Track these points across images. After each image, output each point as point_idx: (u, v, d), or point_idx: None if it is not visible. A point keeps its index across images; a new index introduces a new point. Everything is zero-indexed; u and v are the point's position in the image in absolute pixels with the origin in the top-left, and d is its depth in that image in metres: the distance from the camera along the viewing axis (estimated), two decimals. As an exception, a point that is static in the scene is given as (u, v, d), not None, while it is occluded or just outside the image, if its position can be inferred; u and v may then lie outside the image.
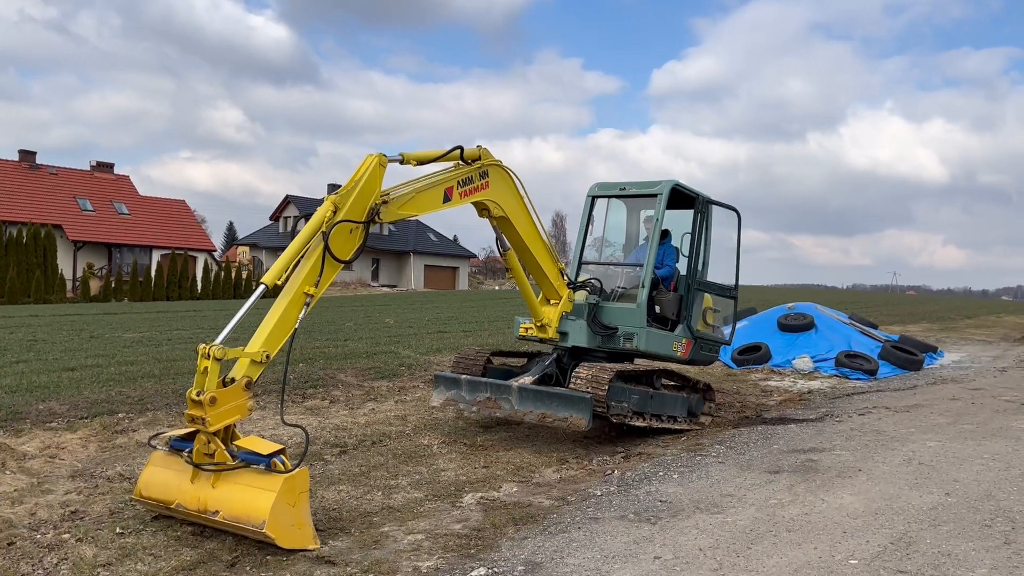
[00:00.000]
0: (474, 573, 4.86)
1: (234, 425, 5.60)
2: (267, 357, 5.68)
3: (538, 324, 8.62)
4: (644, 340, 8.59)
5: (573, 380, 8.01)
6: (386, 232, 61.58)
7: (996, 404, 10.54)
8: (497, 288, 60.83)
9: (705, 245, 9.36)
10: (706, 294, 9.38)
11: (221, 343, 5.45)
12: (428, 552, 5.27)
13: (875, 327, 17.19)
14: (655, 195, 8.93)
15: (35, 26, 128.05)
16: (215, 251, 55.60)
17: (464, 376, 8.55)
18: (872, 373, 13.26)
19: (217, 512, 5.31)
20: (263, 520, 5.06)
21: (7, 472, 7.01)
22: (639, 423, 8.35)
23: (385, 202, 6.44)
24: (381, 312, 25.83)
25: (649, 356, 9.05)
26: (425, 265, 61.42)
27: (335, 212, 6.12)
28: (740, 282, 9.93)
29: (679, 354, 9.10)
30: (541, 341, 8.98)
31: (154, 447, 5.88)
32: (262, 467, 5.31)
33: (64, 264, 43.48)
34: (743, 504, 6.09)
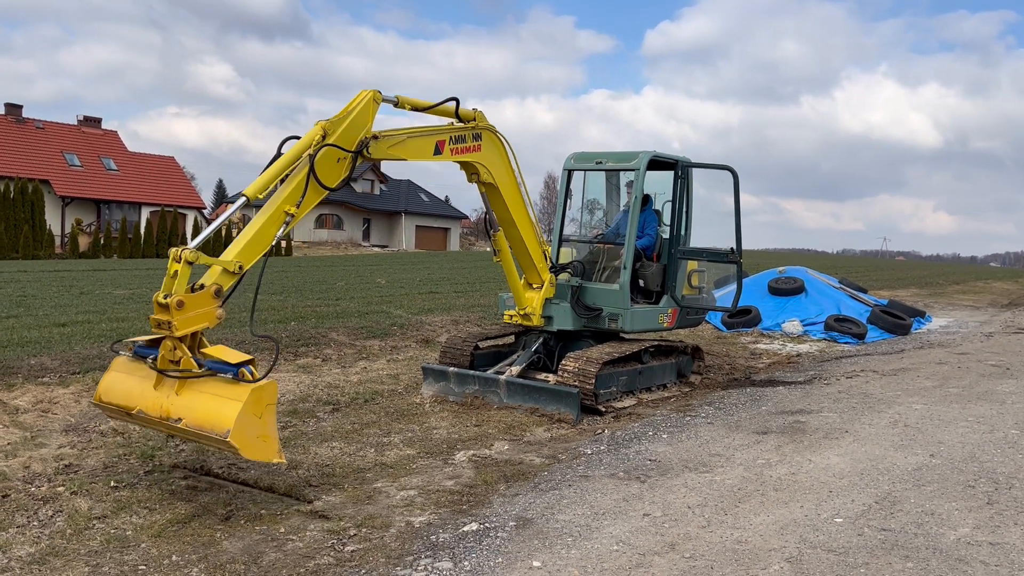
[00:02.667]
0: (466, 528, 4.93)
1: (201, 334, 5.41)
2: (240, 268, 5.50)
3: (521, 312, 8.59)
4: (629, 320, 8.59)
5: (560, 372, 8.04)
6: (377, 192, 61.28)
7: (982, 368, 10.66)
8: (488, 249, 60.76)
9: (687, 211, 9.34)
10: (696, 261, 9.36)
11: (195, 248, 5.34)
12: (421, 507, 5.34)
13: (864, 292, 17.30)
14: (634, 169, 8.86)
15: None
16: (205, 208, 55.24)
17: (452, 369, 8.53)
18: (861, 337, 13.37)
19: (180, 420, 5.11)
20: (227, 429, 4.86)
21: (0, 426, 7.03)
22: (629, 403, 8.40)
23: (376, 138, 6.42)
24: (372, 272, 25.80)
25: (635, 333, 9.09)
26: (416, 226, 61.23)
27: (324, 137, 6.09)
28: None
29: (665, 325, 9.13)
30: (527, 331, 8.98)
31: (116, 352, 5.73)
32: (229, 376, 5.13)
33: (52, 220, 43.13)
34: (731, 464, 6.18)
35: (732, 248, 9.03)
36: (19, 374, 8.61)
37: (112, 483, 5.73)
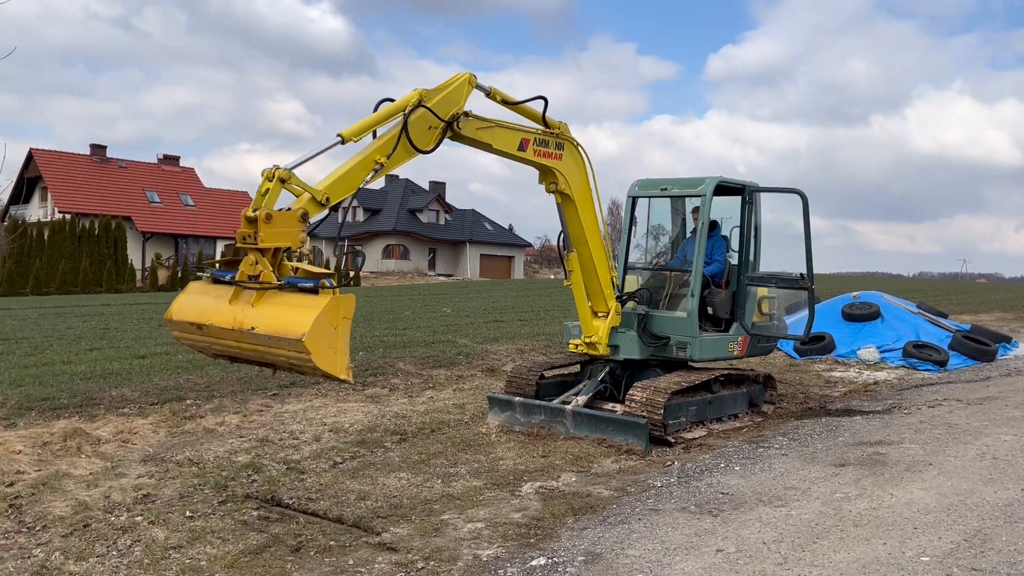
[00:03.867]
0: (534, 562, 4.86)
1: (283, 254, 5.46)
2: (327, 200, 5.67)
3: (587, 340, 8.52)
4: (698, 349, 8.44)
5: (627, 402, 7.93)
6: (442, 222, 61.98)
7: (1075, 397, 10.13)
8: (552, 277, 60.74)
9: (756, 236, 9.17)
10: (766, 287, 9.15)
11: (289, 168, 5.47)
12: (488, 540, 5.29)
13: (944, 316, 16.68)
14: (700, 195, 8.74)
15: (101, 23, 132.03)
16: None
17: (517, 399, 8.49)
18: (942, 364, 12.87)
19: (253, 328, 5.10)
20: (303, 332, 4.83)
21: (83, 456, 7.26)
22: (699, 433, 8.22)
23: (467, 114, 6.69)
24: (438, 301, 26.03)
25: (704, 362, 8.92)
26: (481, 254, 61.65)
27: (420, 101, 6.33)
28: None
29: (735, 353, 8.93)
30: (592, 360, 8.90)
31: (200, 276, 5.82)
32: (310, 285, 5.13)
33: (133, 254, 44.86)
34: (807, 497, 5.97)
35: (802, 273, 8.81)
36: (101, 405, 8.91)
37: (188, 513, 5.84)
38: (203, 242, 50.16)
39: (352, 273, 47.74)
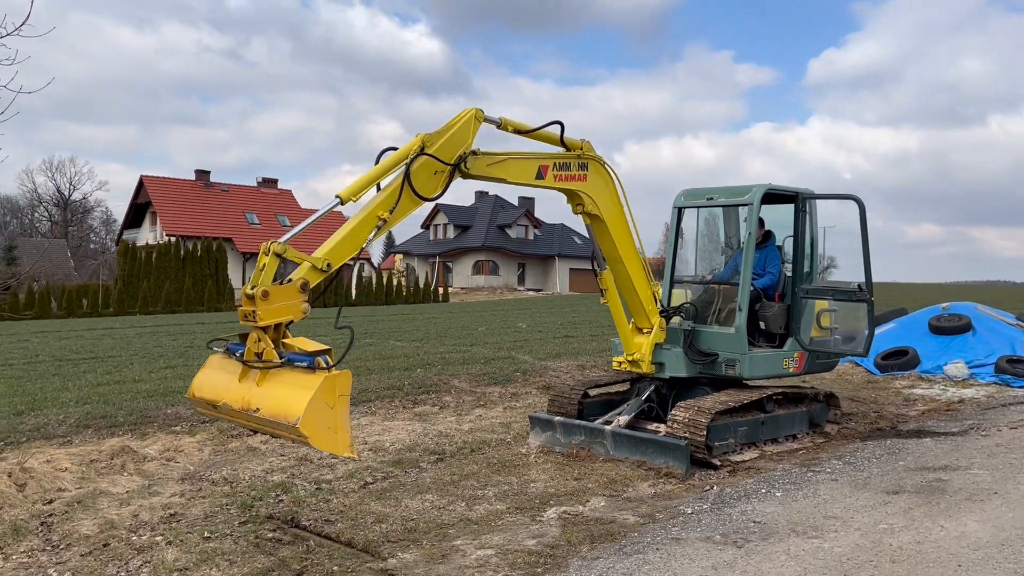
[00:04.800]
0: (531, 594, 4.62)
1: (286, 327, 5.41)
2: (328, 266, 5.54)
3: (630, 358, 8.22)
4: (748, 366, 8.01)
5: (669, 422, 7.59)
6: (531, 237, 62.06)
7: None
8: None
9: (812, 247, 8.67)
10: (823, 300, 8.63)
11: (285, 242, 5.42)
12: (494, 569, 5.08)
13: (1050, 328, 15.43)
14: (747, 204, 8.31)
15: (212, 55, 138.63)
16: (369, 259, 57.93)
17: (558, 418, 8.25)
18: (1039, 380, 11.87)
19: (258, 410, 5.10)
20: (297, 417, 4.80)
21: (124, 474, 7.43)
22: (749, 455, 7.79)
23: (475, 153, 6.41)
24: (519, 316, 25.94)
25: (757, 379, 8.48)
26: (570, 268, 61.38)
27: (423, 148, 6.13)
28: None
29: (791, 370, 8.44)
30: (638, 378, 8.57)
31: (213, 350, 5.81)
32: (305, 365, 5.08)
33: (234, 274, 46.63)
34: (847, 528, 5.52)
35: (860, 284, 8.27)
36: (155, 423, 9.14)
37: (206, 534, 5.86)
38: (299, 261, 51.67)
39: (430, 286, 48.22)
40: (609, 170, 7.55)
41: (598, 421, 8.18)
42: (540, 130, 7.06)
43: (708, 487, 6.82)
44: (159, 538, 5.84)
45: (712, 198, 8.73)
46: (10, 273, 51.01)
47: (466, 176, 6.44)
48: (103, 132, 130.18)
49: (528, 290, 58.20)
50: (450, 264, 61.72)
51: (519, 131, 6.96)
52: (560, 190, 7.37)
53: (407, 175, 5.94)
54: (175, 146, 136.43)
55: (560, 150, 7.28)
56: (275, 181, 57.98)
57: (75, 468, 7.43)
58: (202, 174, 54.96)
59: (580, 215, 7.59)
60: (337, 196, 5.74)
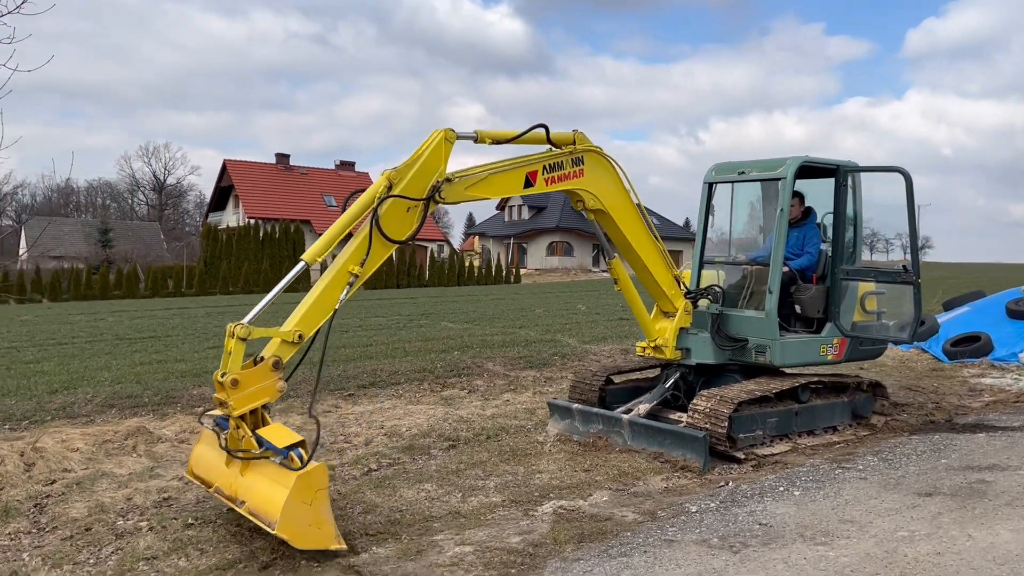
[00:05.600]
0: (492, 599, 4.29)
1: (264, 408, 5.30)
2: (300, 337, 5.36)
3: (652, 344, 7.75)
4: (780, 353, 7.43)
5: (690, 412, 7.10)
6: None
7: None
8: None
9: (856, 224, 7.99)
10: (866, 282, 7.95)
11: (249, 322, 5.24)
12: (466, 569, 4.77)
13: None
14: (779, 178, 7.68)
15: (300, 41, 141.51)
16: (443, 240, 58.22)
17: (576, 406, 7.85)
18: None
19: (244, 503, 5.08)
20: (274, 521, 4.75)
21: (133, 455, 7.41)
22: (780, 448, 7.24)
23: (449, 180, 5.97)
24: (583, 298, 25.50)
25: (792, 367, 7.90)
26: (648, 249, 60.21)
27: (390, 188, 5.76)
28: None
29: (830, 357, 7.81)
30: (666, 364, 8.09)
31: (204, 424, 5.78)
32: (278, 461, 5.01)
33: (311, 256, 47.50)
34: (861, 535, 4.98)
35: (905, 265, 7.58)
36: (178, 403, 9.15)
37: (190, 520, 5.72)
38: (375, 243, 52.30)
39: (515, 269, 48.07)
40: (609, 160, 7.04)
41: (619, 409, 7.76)
42: (523, 136, 6.49)
43: (723, 483, 6.34)
44: (144, 523, 5.74)
45: (744, 172, 8.14)
46: (104, 255, 53.09)
47: (442, 203, 6.00)
48: (198, 119, 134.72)
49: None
50: (525, 245, 61.47)
51: (499, 141, 6.39)
52: (559, 191, 6.94)
53: (375, 221, 5.55)
54: (264, 131, 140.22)
55: (548, 150, 6.74)
56: (352, 164, 58.78)
57: (86, 448, 7.45)
58: (282, 157, 56.12)
59: (583, 211, 7.14)
60: (302, 259, 5.45)
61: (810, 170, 7.85)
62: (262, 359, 5.24)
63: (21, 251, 62.38)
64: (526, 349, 12.35)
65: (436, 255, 50.50)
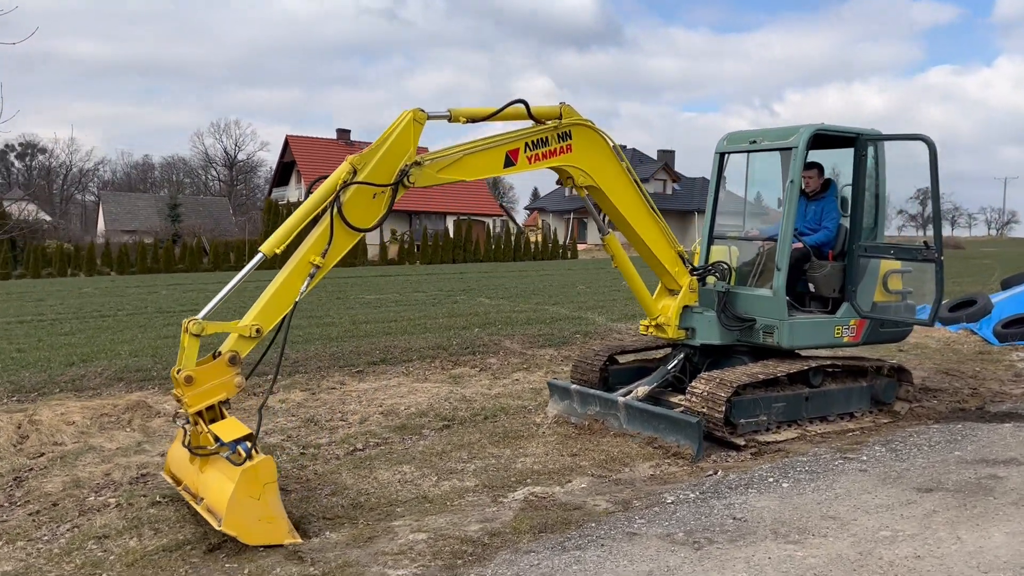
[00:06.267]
0: (422, 593, 4.07)
1: (224, 404, 5.20)
2: (257, 332, 5.24)
3: (655, 321, 7.39)
4: (787, 334, 6.98)
5: (688, 395, 6.73)
6: (669, 191, 60.10)
7: None
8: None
9: (879, 198, 7.44)
10: (883, 259, 7.41)
11: (204, 318, 5.12)
12: (412, 559, 4.56)
13: None
14: (790, 147, 7.17)
15: (370, 16, 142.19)
16: (501, 215, 58.04)
17: (574, 386, 7.55)
18: None
19: (203, 499, 5.02)
20: (220, 519, 4.68)
21: (127, 429, 7.43)
22: (785, 435, 6.82)
23: (418, 163, 5.70)
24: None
25: (803, 349, 7.44)
26: (711, 224, 58.91)
27: (355, 174, 5.53)
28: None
29: (846, 340, 7.31)
30: (672, 345, 7.71)
31: (176, 423, 5.75)
32: (226, 456, 4.89)
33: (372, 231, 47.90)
34: (840, 533, 4.59)
35: (927, 241, 7.03)
36: (186, 378, 9.15)
37: (157, 498, 5.66)
38: (435, 218, 52.44)
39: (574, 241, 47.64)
40: (600, 133, 6.65)
41: (620, 392, 7.43)
42: (500, 112, 6.12)
43: (712, 472, 5.99)
44: (113, 500, 5.71)
45: (756, 141, 7.65)
46: (173, 229, 54.57)
47: (411, 189, 5.72)
48: (269, 95, 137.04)
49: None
50: (585, 220, 60.80)
51: (474, 119, 6.05)
52: (544, 170, 6.60)
53: (339, 210, 5.33)
54: (335, 107, 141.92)
55: (532, 126, 6.35)
56: (414, 139, 58.86)
57: (82, 422, 7.50)
58: (343, 133, 56.59)
59: (574, 189, 6.79)
60: (260, 251, 5.27)
61: (829, 140, 7.34)
62: (219, 354, 5.13)
63: (99, 225, 64.79)
64: (549, 327, 12.06)
65: (493, 230, 50.37)
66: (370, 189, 5.49)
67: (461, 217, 47.12)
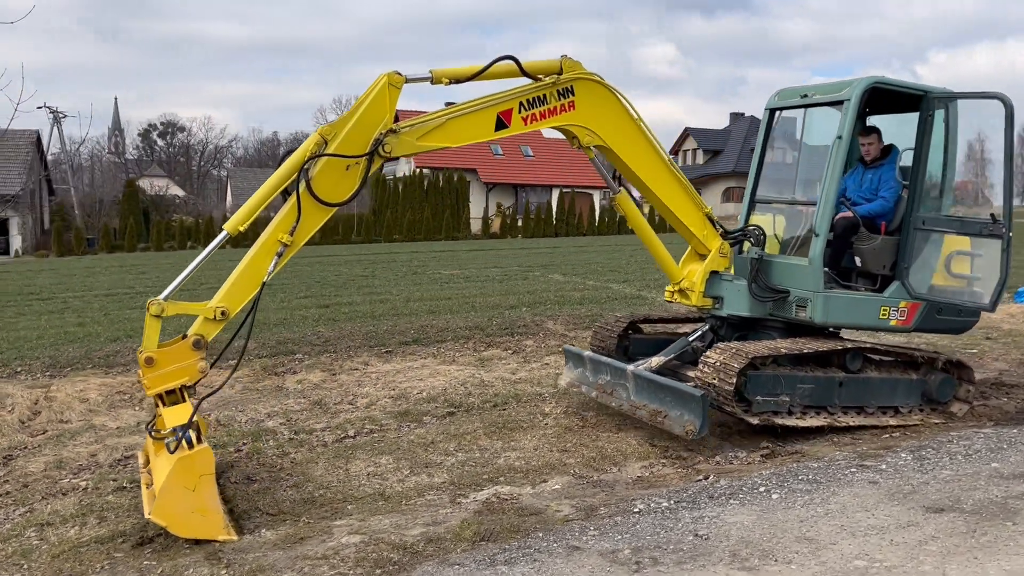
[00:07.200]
0: (312, 608, 3.75)
1: (187, 389, 5.05)
2: (222, 315, 5.05)
3: (678, 287, 6.78)
4: (821, 308, 6.22)
5: (700, 366, 6.11)
6: (790, 160, 57.32)
7: None
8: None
9: (947, 165, 6.51)
10: (948, 234, 6.51)
11: (165, 298, 4.95)
12: (332, 565, 4.24)
13: None
14: (841, 101, 6.34)
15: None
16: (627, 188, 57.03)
17: (587, 354, 7.04)
18: None
19: (151, 486, 4.89)
20: (150, 510, 4.50)
21: (131, 408, 7.47)
22: (810, 421, 6.11)
23: (394, 132, 5.31)
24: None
25: (840, 328, 6.66)
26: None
27: (326, 146, 5.21)
28: None
29: (893, 323, 6.48)
30: (702, 318, 7.09)
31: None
32: (168, 444, 4.70)
33: (477, 204, 48.09)
34: (807, 560, 3.95)
35: (994, 214, 6.10)
36: (214, 354, 9.16)
37: (125, 484, 5.60)
38: (540, 191, 52.06)
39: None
40: (609, 88, 6.05)
41: (639, 363, 6.84)
42: (486, 71, 5.62)
43: (703, 476, 5.38)
44: (84, 483, 5.70)
45: (806, 96, 6.87)
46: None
47: (388, 159, 5.35)
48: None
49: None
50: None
51: (458, 80, 5.58)
52: (545, 130, 6.07)
53: (307, 184, 5.03)
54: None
55: (528, 84, 5.82)
56: (526, 110, 58.49)
57: (95, 399, 7.60)
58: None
59: (581, 150, 6.22)
60: (223, 229, 5.08)
61: (886, 96, 6.50)
62: (184, 337, 4.97)
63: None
64: (600, 307, 11.49)
65: (600, 202, 49.52)
66: (342, 162, 5.18)
67: (566, 190, 46.46)
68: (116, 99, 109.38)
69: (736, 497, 4.85)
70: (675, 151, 62.92)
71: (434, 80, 5.57)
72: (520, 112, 5.82)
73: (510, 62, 5.77)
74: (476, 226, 45.78)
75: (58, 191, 55.68)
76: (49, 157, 55.04)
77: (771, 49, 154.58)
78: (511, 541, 4.40)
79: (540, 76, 5.88)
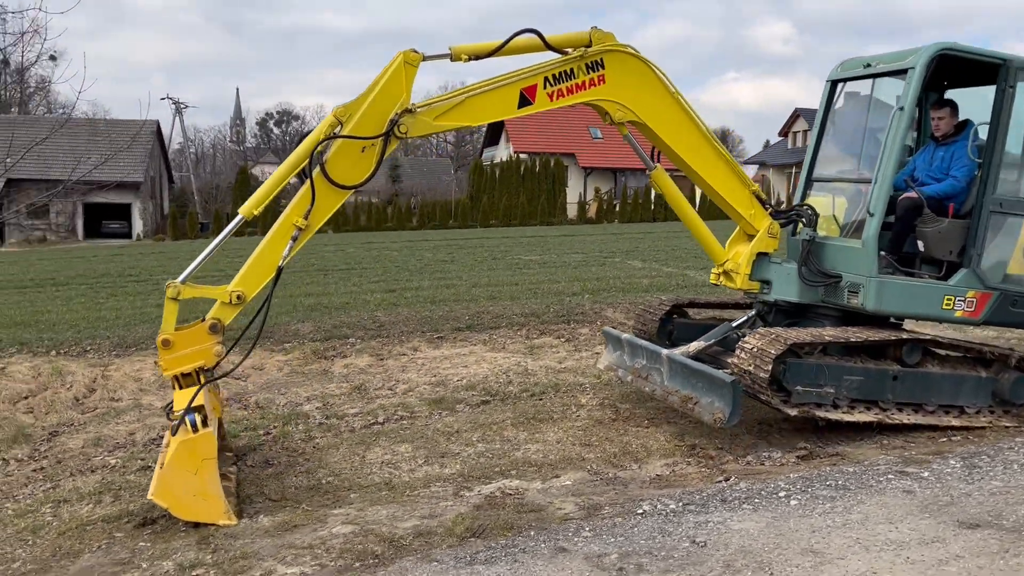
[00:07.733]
0: (275, 600, 3.68)
1: (203, 371, 5.06)
2: (238, 299, 5.05)
3: (721, 269, 6.40)
4: (874, 294, 5.72)
5: (737, 352, 5.73)
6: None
7: None
8: None
9: (1025, 141, 5.88)
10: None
11: (182, 281, 4.99)
12: (315, 556, 4.17)
13: None
14: (906, 69, 5.80)
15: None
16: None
17: (625, 336, 6.74)
18: None
19: (163, 465, 4.92)
20: (152, 488, 4.54)
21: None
22: (858, 416, 5.64)
23: (410, 111, 5.18)
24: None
25: (898, 317, 6.13)
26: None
27: (341, 127, 5.14)
28: None
29: (959, 314, 5.91)
30: (753, 301, 6.69)
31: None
32: (174, 424, 4.74)
33: (575, 189, 47.74)
34: (808, 574, 3.61)
35: None
36: (272, 337, 9.32)
37: (150, 463, 5.71)
38: (640, 175, 51.15)
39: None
40: (643, 60, 5.72)
41: (681, 347, 6.50)
42: (508, 44, 5.40)
43: (727, 477, 5.04)
44: (114, 461, 5.86)
45: (870, 65, 6.35)
46: (393, 189, 57.59)
47: (404, 139, 5.20)
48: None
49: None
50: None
51: (477, 56, 5.38)
52: (573, 106, 5.80)
53: (321, 167, 4.99)
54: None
55: (555, 58, 5.56)
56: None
57: (148, 379, 7.82)
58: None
59: (614, 126, 5.92)
60: (239, 213, 5.07)
61: (958, 64, 5.93)
62: (202, 321, 5.02)
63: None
64: (664, 296, 11.07)
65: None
66: (357, 143, 5.10)
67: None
68: (238, 89, 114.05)
69: (751, 502, 4.51)
70: (784, 132, 60.55)
71: (453, 57, 5.39)
72: (545, 88, 5.59)
73: (533, 35, 5.53)
74: (573, 211, 45.38)
75: (180, 178, 58.63)
76: (175, 146, 57.91)
77: (895, 23, 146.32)
78: (500, 539, 4.22)
79: (567, 50, 5.63)
